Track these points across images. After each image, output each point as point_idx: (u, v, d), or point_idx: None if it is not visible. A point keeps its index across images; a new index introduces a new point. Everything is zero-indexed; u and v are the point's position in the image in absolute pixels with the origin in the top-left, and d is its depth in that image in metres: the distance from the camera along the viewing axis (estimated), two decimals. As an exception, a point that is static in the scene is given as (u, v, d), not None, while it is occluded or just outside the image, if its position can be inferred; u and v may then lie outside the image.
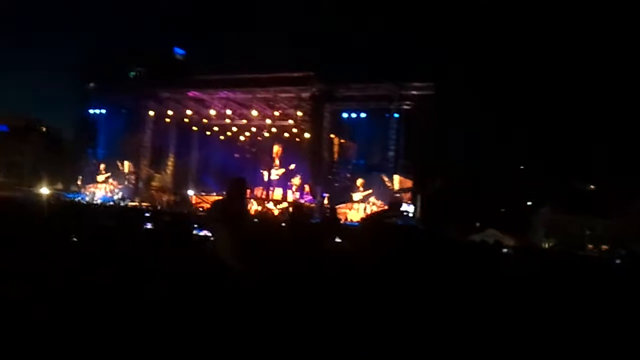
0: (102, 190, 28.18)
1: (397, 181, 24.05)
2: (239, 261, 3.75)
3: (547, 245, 19.83)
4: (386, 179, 24.07)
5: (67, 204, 17.36)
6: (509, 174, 26.48)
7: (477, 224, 22.06)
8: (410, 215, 21.34)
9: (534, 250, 13.30)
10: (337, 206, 23.05)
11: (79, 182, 29.07)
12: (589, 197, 24.86)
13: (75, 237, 6.48)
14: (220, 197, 6.27)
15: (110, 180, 29.35)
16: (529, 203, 26.69)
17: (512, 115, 25.43)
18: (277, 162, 28.85)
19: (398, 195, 23.17)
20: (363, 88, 24.12)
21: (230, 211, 4.78)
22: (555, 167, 25.46)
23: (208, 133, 30.04)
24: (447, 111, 22.45)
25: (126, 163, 29.16)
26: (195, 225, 7.35)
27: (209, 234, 4.84)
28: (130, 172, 28.87)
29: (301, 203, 13.82)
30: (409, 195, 23.20)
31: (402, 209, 18.85)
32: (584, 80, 25.45)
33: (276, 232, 7.88)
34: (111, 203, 22.79)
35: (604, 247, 20.21)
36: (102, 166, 29.69)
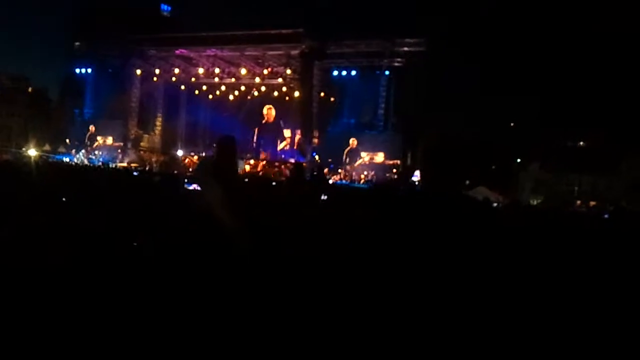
0: (89, 152, 27.91)
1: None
2: (231, 216, 3.76)
3: (535, 202, 20.01)
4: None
5: (55, 166, 17.23)
6: (499, 131, 26.51)
7: (467, 182, 22.18)
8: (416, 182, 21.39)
9: (521, 206, 13.42)
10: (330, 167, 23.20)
11: (67, 143, 28.82)
12: (577, 154, 25.00)
13: (64, 198, 6.44)
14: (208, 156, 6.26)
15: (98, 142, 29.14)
16: (518, 160, 26.81)
17: (502, 71, 25.26)
18: (268, 122, 28.69)
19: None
20: (353, 45, 23.87)
21: (219, 169, 4.75)
22: (544, 124, 25.47)
23: (197, 92, 29.72)
24: (438, 68, 22.27)
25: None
26: (186, 180, 7.36)
27: (198, 188, 4.83)
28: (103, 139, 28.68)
29: (301, 163, 13.81)
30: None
31: (412, 178, 18.78)
32: (575, 32, 25.24)
33: (269, 190, 7.93)
34: (99, 164, 22.62)
35: (592, 203, 20.44)
36: (91, 127, 29.40)
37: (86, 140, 28.86)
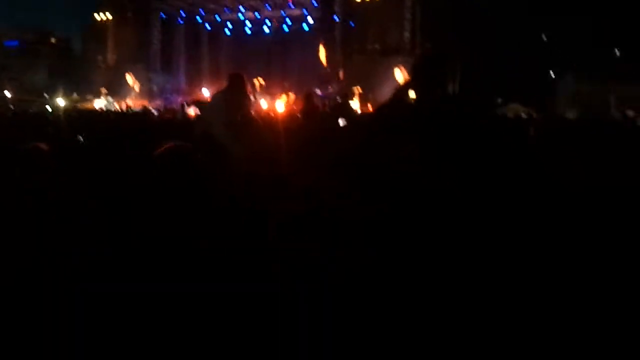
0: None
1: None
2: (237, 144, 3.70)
3: (570, 116, 19.37)
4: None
5: (86, 114, 17.38)
6: (532, 44, 25.48)
7: (499, 100, 21.58)
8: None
9: (555, 119, 13.02)
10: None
11: (97, 91, 28.95)
12: (614, 64, 23.94)
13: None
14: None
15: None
16: (552, 74, 25.85)
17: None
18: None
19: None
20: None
21: (230, 103, 4.68)
22: (578, 34, 24.33)
23: (219, 31, 29.33)
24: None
25: (128, 77, 28.54)
26: (185, 103, 7.31)
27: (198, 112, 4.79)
28: (135, 83, 28.39)
29: (312, 93, 13.58)
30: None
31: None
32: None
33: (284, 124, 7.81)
34: (126, 109, 22.74)
35: (630, 112, 19.68)
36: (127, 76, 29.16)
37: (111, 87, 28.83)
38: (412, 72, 2.41)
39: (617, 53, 25.06)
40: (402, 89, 2.57)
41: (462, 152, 2.23)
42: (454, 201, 2.21)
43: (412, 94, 2.45)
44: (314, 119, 6.85)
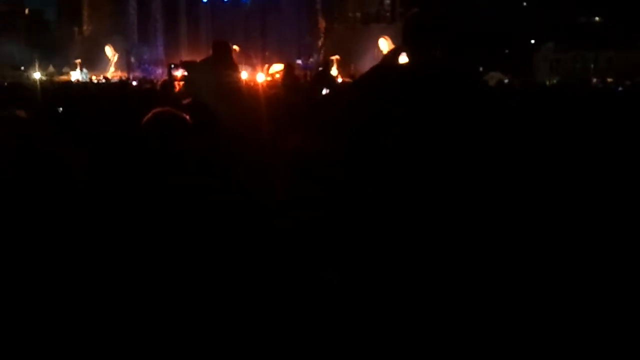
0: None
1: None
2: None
3: (549, 83, 19.48)
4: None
5: (63, 86, 17.03)
6: (511, 12, 25.43)
7: (480, 69, 21.62)
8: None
9: (534, 86, 13.10)
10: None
11: (71, 64, 28.38)
12: (593, 30, 24.03)
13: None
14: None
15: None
16: (532, 41, 25.88)
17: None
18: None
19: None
20: None
21: (218, 69, 4.63)
22: (558, 1, 24.33)
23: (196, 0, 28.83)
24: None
25: (107, 48, 27.98)
26: (172, 65, 7.25)
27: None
28: (114, 55, 27.88)
29: (292, 64, 13.48)
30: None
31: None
32: None
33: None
34: (104, 80, 22.36)
35: (609, 79, 19.83)
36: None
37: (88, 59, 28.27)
38: (406, 34, 2.39)
39: (597, 19, 25.17)
40: (393, 53, 2.57)
41: (458, 120, 2.23)
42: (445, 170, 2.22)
43: (402, 59, 2.44)
44: (295, 90, 6.83)
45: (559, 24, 23.96)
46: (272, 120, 4.40)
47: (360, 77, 3.06)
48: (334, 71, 19.71)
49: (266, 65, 24.37)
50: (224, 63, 4.51)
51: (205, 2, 29.29)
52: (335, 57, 22.51)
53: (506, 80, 11.93)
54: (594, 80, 20.34)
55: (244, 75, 18.34)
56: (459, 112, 2.23)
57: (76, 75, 24.96)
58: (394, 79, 2.37)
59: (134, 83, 17.00)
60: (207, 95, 3.67)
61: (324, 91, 6.90)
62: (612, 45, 22.07)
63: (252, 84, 13.82)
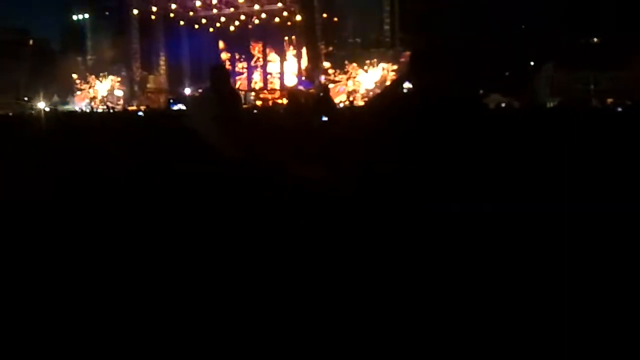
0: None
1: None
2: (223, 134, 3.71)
3: (551, 104, 19.56)
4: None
5: (67, 116, 17.22)
6: (510, 35, 25.64)
7: (481, 92, 21.76)
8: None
9: (535, 108, 13.17)
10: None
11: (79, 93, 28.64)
12: (593, 52, 24.14)
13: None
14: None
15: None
16: (532, 63, 26.01)
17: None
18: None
19: None
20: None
21: (216, 97, 4.67)
22: (557, 23, 24.53)
23: (197, 27, 29.13)
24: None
25: (110, 79, 28.31)
26: (171, 100, 7.35)
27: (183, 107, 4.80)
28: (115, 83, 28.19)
29: (297, 90, 13.61)
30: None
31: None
32: None
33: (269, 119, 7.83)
34: (107, 110, 22.57)
35: (609, 100, 19.91)
36: (91, 77, 28.96)
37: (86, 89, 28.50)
38: (411, 63, 2.45)
39: (595, 40, 25.31)
40: (398, 81, 2.63)
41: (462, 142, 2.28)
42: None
43: (405, 85, 2.50)
44: (298, 117, 6.85)
45: (558, 46, 24.12)
46: (273, 149, 4.45)
47: (366, 104, 3.12)
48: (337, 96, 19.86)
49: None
50: (222, 90, 4.51)
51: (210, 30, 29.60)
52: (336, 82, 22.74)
53: (503, 104, 11.97)
54: (594, 101, 20.44)
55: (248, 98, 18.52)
56: (464, 134, 2.29)
57: (79, 105, 25.21)
58: (397, 106, 2.45)
59: (140, 112, 17.12)
60: (206, 127, 3.71)
61: (324, 118, 6.94)
62: (611, 66, 22.15)
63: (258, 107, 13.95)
